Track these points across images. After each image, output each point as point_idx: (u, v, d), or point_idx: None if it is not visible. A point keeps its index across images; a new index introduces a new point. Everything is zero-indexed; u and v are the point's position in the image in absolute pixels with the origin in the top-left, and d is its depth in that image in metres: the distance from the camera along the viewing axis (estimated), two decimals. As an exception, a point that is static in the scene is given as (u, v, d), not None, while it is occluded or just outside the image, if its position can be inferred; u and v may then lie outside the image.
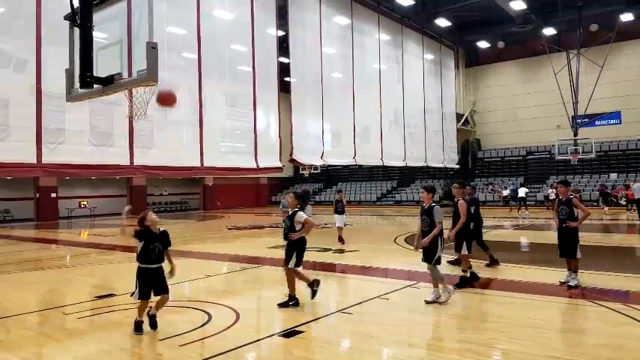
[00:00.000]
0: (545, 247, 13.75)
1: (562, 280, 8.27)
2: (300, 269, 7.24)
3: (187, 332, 6.08)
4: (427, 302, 7.14)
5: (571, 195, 8.20)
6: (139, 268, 6.12)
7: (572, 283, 8.05)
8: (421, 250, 7.38)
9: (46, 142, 12.00)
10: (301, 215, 7.08)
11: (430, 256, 7.20)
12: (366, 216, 27.91)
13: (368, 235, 18.37)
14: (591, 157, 30.05)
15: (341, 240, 14.58)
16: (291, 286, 7.22)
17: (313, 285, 7.42)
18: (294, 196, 7.35)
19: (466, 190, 9.82)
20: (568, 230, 8.05)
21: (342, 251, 13.27)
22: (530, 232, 17.89)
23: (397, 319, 6.74)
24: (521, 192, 26.33)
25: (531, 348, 5.31)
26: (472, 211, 9.19)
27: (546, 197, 28.67)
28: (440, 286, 7.28)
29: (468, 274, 8.36)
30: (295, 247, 7.16)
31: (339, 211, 14.80)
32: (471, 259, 8.72)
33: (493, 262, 9.97)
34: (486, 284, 8.80)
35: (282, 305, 7.14)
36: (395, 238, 15.54)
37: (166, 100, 6.84)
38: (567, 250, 8.13)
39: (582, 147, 29.97)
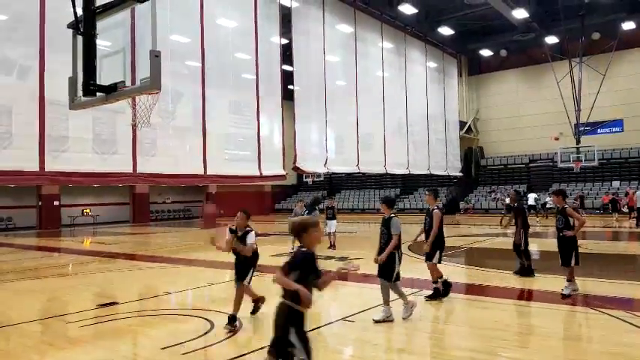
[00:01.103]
0: (549, 255, 13.68)
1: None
2: (250, 286, 7.03)
3: (190, 340, 6.05)
4: (376, 321, 6.66)
5: (565, 205, 8.20)
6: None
7: (566, 291, 7.95)
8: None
9: (49, 149, 12.02)
10: (251, 237, 6.75)
11: (388, 273, 6.75)
12: (369, 224, 27.84)
13: (371, 243, 18.29)
14: (594, 165, 29.97)
15: (333, 246, 14.66)
16: (238, 304, 6.69)
17: (259, 301, 7.16)
18: (243, 216, 6.77)
19: (511, 197, 9.94)
20: (565, 239, 8.04)
21: (345, 259, 13.22)
22: (535, 240, 17.78)
23: (400, 327, 6.70)
24: (531, 199, 26.19)
25: (535, 356, 5.27)
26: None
27: (543, 205, 28.64)
28: (402, 302, 6.88)
29: (440, 285, 8.01)
30: (252, 264, 6.93)
31: (330, 216, 14.87)
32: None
33: (527, 272, 9.69)
34: (490, 292, 8.75)
35: (229, 322, 6.53)
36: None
37: None
38: (563, 258, 8.10)
39: (585, 155, 29.90)
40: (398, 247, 6.84)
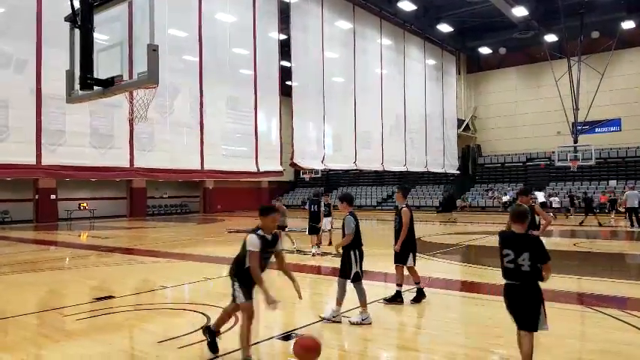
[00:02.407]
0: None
1: None
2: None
3: (186, 334, 6.06)
4: (352, 323, 6.47)
5: (533, 203, 8.22)
6: None
7: None
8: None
9: (45, 143, 11.99)
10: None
11: (344, 271, 6.60)
12: (366, 220, 27.89)
13: (368, 240, 18.27)
14: (591, 164, 30.04)
15: (327, 242, 14.67)
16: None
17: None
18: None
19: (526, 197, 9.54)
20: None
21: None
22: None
23: (396, 324, 6.73)
24: (540, 197, 26.04)
25: (530, 354, 5.28)
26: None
27: (504, 203, 28.74)
28: (336, 305, 6.66)
29: (422, 285, 7.79)
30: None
31: (326, 213, 14.78)
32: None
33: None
34: (486, 289, 8.78)
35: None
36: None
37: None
38: None
39: (582, 154, 29.97)
40: (355, 246, 6.59)
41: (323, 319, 6.60)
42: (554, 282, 8.76)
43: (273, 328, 6.54)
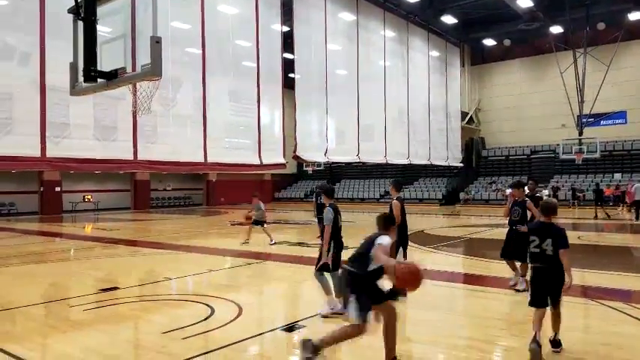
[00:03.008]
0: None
1: (511, 283, 7.90)
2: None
3: (190, 325, 6.10)
4: (323, 316, 6.40)
5: (526, 198, 7.93)
6: None
7: (521, 287, 7.66)
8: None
9: (50, 136, 12.02)
10: None
11: (317, 262, 6.57)
12: (369, 213, 27.88)
13: (371, 233, 18.37)
14: (596, 157, 29.92)
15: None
16: None
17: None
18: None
19: (529, 186, 9.28)
20: (519, 233, 7.50)
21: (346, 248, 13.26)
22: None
23: (398, 315, 6.74)
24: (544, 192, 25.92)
25: (533, 345, 5.31)
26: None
27: (506, 196, 28.58)
28: (326, 297, 6.58)
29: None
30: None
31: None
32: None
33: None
34: (489, 282, 8.80)
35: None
36: (398, 236, 15.56)
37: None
38: (517, 253, 7.63)
39: (587, 146, 29.83)
40: (331, 238, 6.54)
41: (324, 316, 6.46)
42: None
43: (277, 319, 6.57)
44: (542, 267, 5.02)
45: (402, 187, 8.44)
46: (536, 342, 4.85)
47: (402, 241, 7.40)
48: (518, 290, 7.66)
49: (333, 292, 6.51)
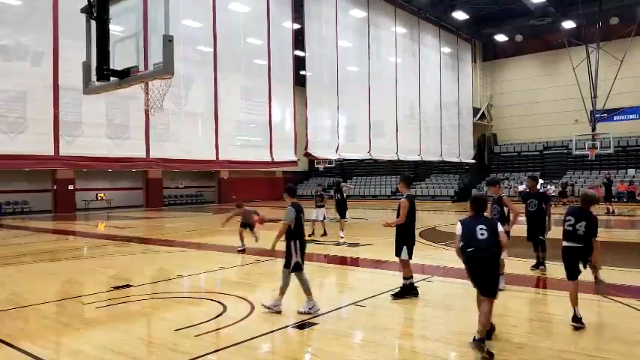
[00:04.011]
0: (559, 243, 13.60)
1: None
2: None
3: (202, 323, 6.14)
4: (300, 312, 6.49)
5: (502, 194, 7.89)
6: None
7: (501, 286, 7.56)
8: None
9: (63, 134, 12.15)
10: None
11: (286, 261, 6.57)
12: (380, 210, 27.83)
13: (382, 229, 18.34)
14: (609, 153, 29.57)
15: (324, 234, 14.91)
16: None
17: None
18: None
19: (528, 183, 9.38)
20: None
21: (356, 244, 13.28)
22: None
23: (410, 313, 6.74)
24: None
25: (545, 342, 5.28)
26: (534, 206, 8.57)
27: (520, 192, 28.34)
28: (278, 295, 6.62)
29: (408, 283, 7.32)
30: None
31: (320, 205, 14.95)
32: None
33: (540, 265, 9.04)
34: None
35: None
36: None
37: None
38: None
39: (600, 142, 29.50)
40: (296, 237, 6.55)
41: (266, 307, 6.61)
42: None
43: (288, 316, 6.59)
44: (572, 245, 5.81)
45: (412, 184, 8.29)
46: (578, 319, 5.70)
47: (406, 240, 7.23)
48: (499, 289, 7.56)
49: (283, 290, 6.60)
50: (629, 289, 7.70)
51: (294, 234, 6.58)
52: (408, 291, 7.28)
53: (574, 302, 5.78)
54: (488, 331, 5.20)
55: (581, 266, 5.85)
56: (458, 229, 5.35)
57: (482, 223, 5.25)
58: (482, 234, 5.16)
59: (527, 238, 8.84)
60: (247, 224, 12.18)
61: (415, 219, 7.36)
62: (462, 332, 5.83)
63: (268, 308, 6.57)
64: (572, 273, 5.82)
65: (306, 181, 46.11)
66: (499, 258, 5.25)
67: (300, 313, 6.46)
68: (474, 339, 4.97)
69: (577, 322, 5.68)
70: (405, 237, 7.22)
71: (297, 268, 6.58)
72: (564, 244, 5.89)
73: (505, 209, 7.71)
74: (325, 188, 15.22)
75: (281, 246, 6.59)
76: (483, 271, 5.14)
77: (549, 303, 7.18)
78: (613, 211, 22.12)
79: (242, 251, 11.97)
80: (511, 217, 7.77)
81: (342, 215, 14.86)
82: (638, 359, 4.98)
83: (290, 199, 6.83)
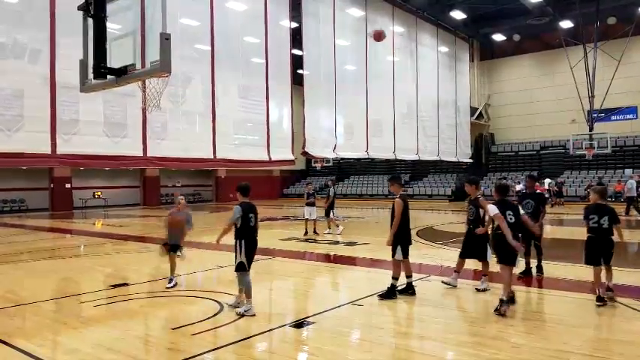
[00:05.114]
0: (562, 243, 13.66)
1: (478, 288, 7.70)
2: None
3: (199, 322, 6.13)
4: (237, 313, 6.44)
5: (478, 195, 7.77)
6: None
7: (481, 286, 7.59)
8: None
9: (60, 132, 12.10)
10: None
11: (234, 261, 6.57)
12: (377, 209, 27.85)
13: (379, 228, 18.33)
14: (606, 152, 29.63)
15: (315, 232, 15.09)
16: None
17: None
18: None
19: (526, 183, 9.18)
20: (475, 234, 7.52)
21: (353, 243, 13.29)
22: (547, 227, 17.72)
23: (408, 312, 6.74)
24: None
25: (542, 342, 5.29)
26: (531, 207, 8.26)
27: (517, 192, 28.39)
28: (239, 295, 6.69)
29: (398, 284, 7.27)
30: None
31: (310, 203, 15.03)
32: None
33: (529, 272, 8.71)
34: (497, 278, 8.75)
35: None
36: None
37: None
38: (477, 251, 7.65)
39: (597, 142, 29.56)
40: (241, 237, 6.47)
41: (227, 304, 6.76)
42: (568, 271, 8.74)
43: (286, 315, 6.59)
44: (597, 237, 6.66)
45: (403, 182, 8.18)
46: (601, 298, 6.60)
47: (401, 239, 7.20)
48: (477, 289, 7.60)
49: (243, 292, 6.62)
50: (627, 288, 7.71)
51: (240, 234, 6.48)
52: (394, 292, 7.21)
53: (597, 283, 6.71)
54: (511, 298, 6.55)
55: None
56: (492, 211, 6.52)
57: (509, 208, 6.54)
58: (510, 219, 6.44)
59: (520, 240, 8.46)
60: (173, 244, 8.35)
61: (409, 219, 7.33)
62: (459, 331, 5.84)
63: (231, 306, 6.65)
64: (595, 260, 6.70)
65: (304, 180, 46.11)
66: (519, 238, 6.53)
67: (237, 314, 6.37)
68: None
69: (600, 300, 6.59)
70: (398, 237, 7.18)
71: (241, 269, 6.50)
72: (590, 235, 6.74)
73: (481, 211, 7.59)
74: (317, 190, 15.36)
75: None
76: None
77: (546, 303, 7.19)
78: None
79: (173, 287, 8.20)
80: (486, 219, 7.61)
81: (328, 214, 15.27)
82: None
83: (242, 198, 6.69)
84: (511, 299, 6.52)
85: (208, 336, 5.68)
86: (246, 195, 6.72)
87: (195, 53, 15.86)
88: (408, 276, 7.42)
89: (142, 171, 34.59)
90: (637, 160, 32.21)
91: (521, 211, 6.68)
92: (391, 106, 24.71)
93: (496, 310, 6.27)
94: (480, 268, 7.92)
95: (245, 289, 6.55)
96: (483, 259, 7.65)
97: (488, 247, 7.37)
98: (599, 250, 6.66)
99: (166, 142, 14.72)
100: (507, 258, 6.44)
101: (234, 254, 6.52)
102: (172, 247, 8.19)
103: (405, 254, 7.22)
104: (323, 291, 8.42)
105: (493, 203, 6.59)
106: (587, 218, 6.77)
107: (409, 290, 7.33)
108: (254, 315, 6.35)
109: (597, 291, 6.69)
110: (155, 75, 6.31)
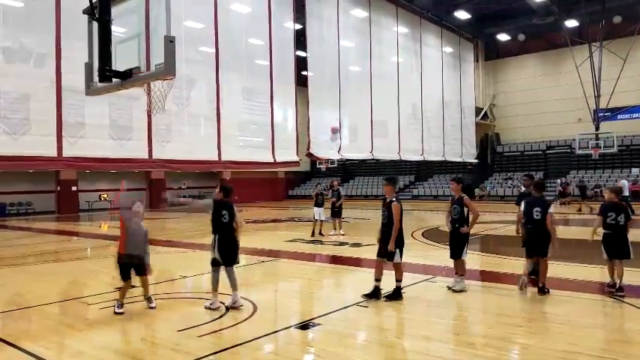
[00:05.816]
0: (568, 243, 13.55)
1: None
2: None
3: (205, 323, 6.13)
4: (205, 307, 6.81)
5: (463, 194, 7.70)
6: None
7: (457, 287, 7.53)
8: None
9: (66, 135, 12.17)
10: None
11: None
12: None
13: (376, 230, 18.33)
14: (613, 152, 29.46)
15: (321, 234, 15.08)
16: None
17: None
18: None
19: (524, 182, 9.14)
20: (458, 233, 7.57)
21: (358, 245, 13.27)
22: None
23: (414, 313, 6.72)
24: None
25: (549, 343, 5.26)
26: (539, 214, 7.72)
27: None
28: (213, 294, 6.91)
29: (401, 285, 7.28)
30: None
31: (319, 203, 15.05)
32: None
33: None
34: (505, 279, 8.72)
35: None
36: (412, 233, 15.46)
37: None
38: (454, 250, 7.68)
39: (604, 141, 29.39)
40: (214, 232, 6.92)
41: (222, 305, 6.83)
42: (573, 271, 8.69)
43: (291, 316, 6.58)
44: (613, 233, 7.21)
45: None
46: (620, 288, 7.13)
47: (399, 242, 7.15)
48: (454, 290, 7.53)
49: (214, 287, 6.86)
50: (632, 288, 7.65)
51: (214, 229, 6.90)
52: (400, 293, 7.19)
53: (611, 274, 7.35)
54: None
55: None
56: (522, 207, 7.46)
57: (537, 205, 7.25)
58: (537, 215, 7.17)
59: (526, 254, 7.67)
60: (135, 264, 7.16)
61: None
62: (466, 332, 5.82)
63: (231, 308, 6.71)
64: (609, 255, 7.26)
65: (308, 181, 46.10)
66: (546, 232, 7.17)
67: (205, 308, 6.73)
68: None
69: (620, 290, 7.08)
70: (398, 240, 7.13)
71: (214, 264, 6.86)
72: (606, 232, 7.27)
73: (465, 210, 7.58)
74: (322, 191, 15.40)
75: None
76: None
77: (552, 303, 7.14)
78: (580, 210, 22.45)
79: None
80: (471, 218, 7.63)
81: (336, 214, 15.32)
82: (643, 359, 4.96)
83: (221, 196, 7.10)
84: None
85: (214, 338, 5.68)
86: (227, 196, 7.08)
87: (200, 56, 15.90)
88: (398, 280, 7.29)
89: (147, 173, 34.67)
90: (644, 159, 32.03)
91: (550, 209, 7.20)
92: (396, 107, 24.68)
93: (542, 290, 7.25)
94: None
95: (214, 284, 6.87)
96: (458, 257, 7.64)
97: (465, 246, 7.62)
98: (613, 246, 7.16)
99: (171, 145, 14.77)
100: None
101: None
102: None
103: (401, 257, 7.21)
104: (328, 292, 8.40)
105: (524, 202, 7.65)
106: (604, 215, 7.26)
107: (397, 295, 7.20)
108: (218, 308, 6.65)
109: (615, 281, 7.27)
110: (160, 78, 6.33)
